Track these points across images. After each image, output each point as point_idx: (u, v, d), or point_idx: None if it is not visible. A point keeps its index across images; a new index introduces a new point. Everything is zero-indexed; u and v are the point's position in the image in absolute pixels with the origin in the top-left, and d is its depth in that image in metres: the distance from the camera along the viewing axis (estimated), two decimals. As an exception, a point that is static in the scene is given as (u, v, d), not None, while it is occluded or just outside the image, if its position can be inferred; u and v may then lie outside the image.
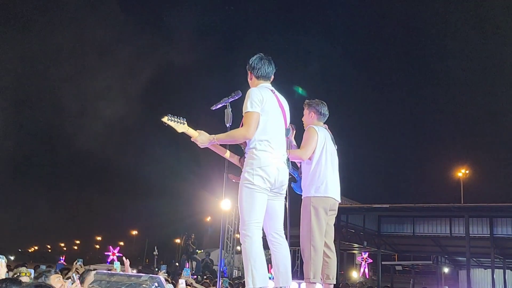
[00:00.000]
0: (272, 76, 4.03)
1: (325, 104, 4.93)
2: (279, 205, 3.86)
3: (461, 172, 31.85)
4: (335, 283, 4.66)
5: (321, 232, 4.49)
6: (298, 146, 4.73)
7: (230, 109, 3.92)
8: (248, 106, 3.68)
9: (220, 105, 3.94)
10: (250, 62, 3.98)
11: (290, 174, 4.08)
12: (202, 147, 3.82)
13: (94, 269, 4.52)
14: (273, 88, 3.97)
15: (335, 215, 4.77)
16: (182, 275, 7.93)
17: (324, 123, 4.91)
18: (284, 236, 3.86)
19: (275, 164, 3.68)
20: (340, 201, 4.74)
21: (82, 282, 4.14)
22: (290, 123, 4.23)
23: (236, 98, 3.94)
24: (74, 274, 4.54)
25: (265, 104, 3.74)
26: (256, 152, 3.66)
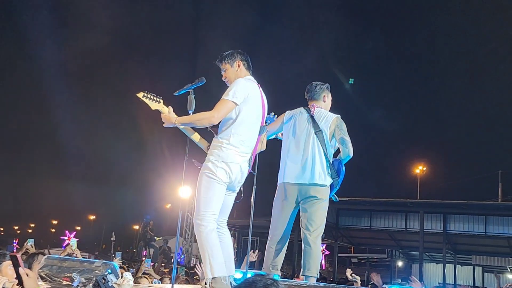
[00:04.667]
0: None
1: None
2: (231, 200, 3.83)
3: (419, 169, 32.68)
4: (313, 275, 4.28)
5: (277, 219, 4.49)
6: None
7: (193, 96, 3.83)
8: (230, 94, 3.60)
9: (183, 91, 3.85)
10: (237, 53, 3.90)
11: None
12: (165, 126, 3.74)
13: (43, 252, 4.37)
14: (258, 83, 3.90)
15: (311, 200, 4.41)
16: (143, 264, 7.87)
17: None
18: (226, 227, 3.84)
19: (239, 163, 3.62)
20: (308, 182, 4.39)
21: (29, 267, 3.98)
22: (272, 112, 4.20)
23: (200, 85, 3.86)
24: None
25: (249, 97, 3.67)
26: (226, 145, 3.58)
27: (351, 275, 4.96)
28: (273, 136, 4.82)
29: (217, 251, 3.49)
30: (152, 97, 3.70)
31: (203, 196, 3.53)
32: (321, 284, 3.39)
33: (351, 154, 4.44)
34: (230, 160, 3.56)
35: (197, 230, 3.53)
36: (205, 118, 3.58)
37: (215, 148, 3.61)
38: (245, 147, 3.66)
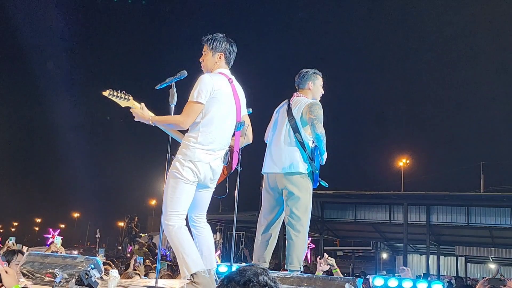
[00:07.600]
0: None
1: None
2: (206, 197, 3.76)
3: (402, 162, 32.98)
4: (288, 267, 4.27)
5: (263, 211, 4.50)
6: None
7: (175, 89, 3.79)
8: (195, 95, 3.54)
9: (164, 85, 3.82)
10: (226, 42, 3.79)
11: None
12: (136, 120, 3.71)
13: (22, 251, 4.33)
14: (232, 77, 3.80)
15: (288, 191, 4.31)
16: (134, 260, 7.85)
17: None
18: (205, 221, 3.80)
19: (208, 162, 3.53)
20: (281, 172, 4.34)
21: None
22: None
23: (182, 78, 3.82)
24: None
25: (217, 94, 3.58)
26: (193, 144, 3.51)
27: (327, 258, 4.90)
28: None
29: (190, 247, 3.43)
30: (119, 94, 3.66)
31: (170, 196, 3.48)
32: (304, 275, 3.40)
33: (319, 132, 4.25)
34: (197, 159, 3.48)
35: (166, 230, 3.47)
36: (176, 124, 3.59)
37: (183, 147, 3.55)
38: (216, 145, 3.57)
